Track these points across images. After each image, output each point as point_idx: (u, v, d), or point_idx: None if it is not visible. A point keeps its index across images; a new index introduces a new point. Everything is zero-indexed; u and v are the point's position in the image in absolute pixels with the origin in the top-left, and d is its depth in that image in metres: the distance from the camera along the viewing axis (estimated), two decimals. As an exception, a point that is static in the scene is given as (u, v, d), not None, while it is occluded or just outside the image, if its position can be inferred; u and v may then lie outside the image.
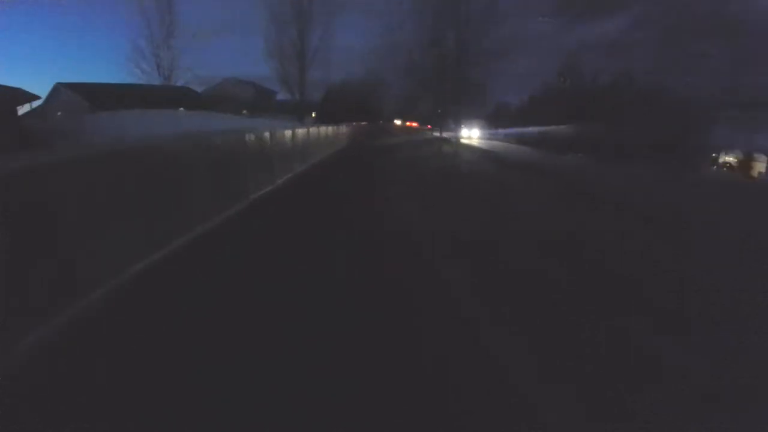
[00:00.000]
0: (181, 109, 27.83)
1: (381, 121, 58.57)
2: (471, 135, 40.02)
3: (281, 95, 40.53)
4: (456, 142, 29.86)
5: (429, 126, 60.12)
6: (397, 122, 65.41)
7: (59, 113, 24.98)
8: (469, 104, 33.60)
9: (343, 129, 23.73)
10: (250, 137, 6.78)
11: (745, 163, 31.30)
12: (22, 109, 23.58)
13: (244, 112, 36.81)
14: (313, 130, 13.21)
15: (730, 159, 43.53)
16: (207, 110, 29.10)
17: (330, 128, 19.29)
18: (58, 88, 27.39)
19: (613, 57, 34.23)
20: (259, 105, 37.64)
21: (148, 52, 29.92)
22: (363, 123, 44.27)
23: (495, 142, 35.42)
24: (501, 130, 41.75)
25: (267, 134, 7.80)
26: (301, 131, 11.23)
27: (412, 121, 66.32)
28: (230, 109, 33.42)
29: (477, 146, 29.42)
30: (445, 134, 42.35)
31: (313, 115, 37.23)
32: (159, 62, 29.84)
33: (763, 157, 32.89)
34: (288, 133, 9.63)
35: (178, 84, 31.06)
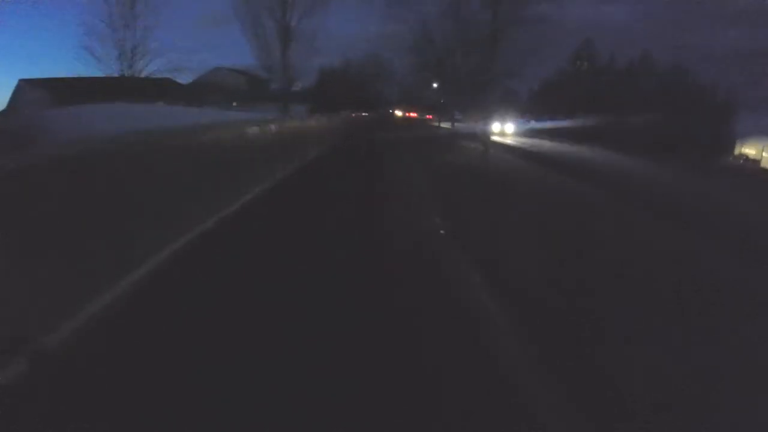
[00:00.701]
0: (160, 102, 25.10)
1: (380, 111, 55.55)
2: (505, 130, 30.12)
3: (276, 84, 37.64)
4: (486, 140, 22.21)
5: (430, 116, 57.10)
6: (398, 113, 62.32)
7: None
8: (480, 91, 29.32)
9: (334, 122, 20.15)
10: (159, 146, 3.94)
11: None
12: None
13: (234, 104, 34.07)
14: (289, 125, 10.02)
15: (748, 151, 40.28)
16: (191, 103, 26.46)
17: (315, 122, 16.34)
18: (22, 85, 24.61)
19: (630, 40, 30.99)
20: (251, 95, 34.70)
21: (108, 35, 25.65)
22: (364, 114, 41.21)
23: (532, 140, 26.58)
24: (526, 122, 31.87)
25: (207, 138, 4.97)
26: (269, 128, 8.02)
27: (413, 111, 63.26)
28: (219, 101, 30.64)
29: (522, 148, 21.21)
30: (457, 126, 37.12)
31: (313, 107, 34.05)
32: (121, 47, 25.62)
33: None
34: (251, 132, 6.69)
35: (143, 74, 27.26)
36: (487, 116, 25.23)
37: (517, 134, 29.71)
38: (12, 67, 53.46)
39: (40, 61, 55.25)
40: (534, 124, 31.87)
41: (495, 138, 26.40)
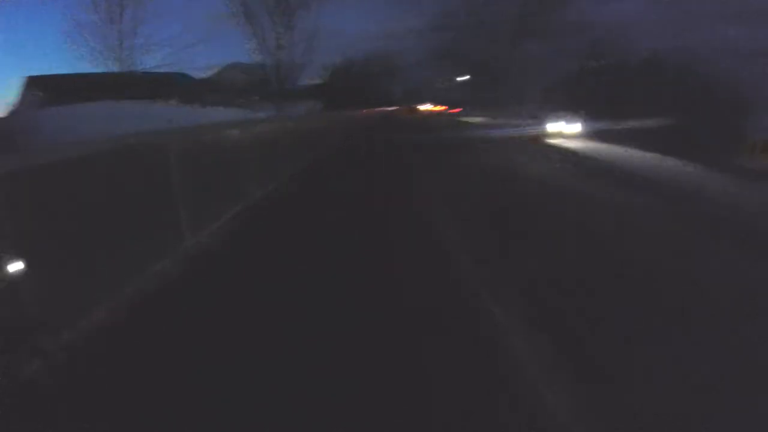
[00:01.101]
0: (173, 101, 23.92)
1: (400, 107, 53.21)
2: (564, 130, 20.68)
3: (301, 79, 36.34)
4: (542, 143, 16.87)
5: (455, 110, 54.50)
6: (425, 107, 59.90)
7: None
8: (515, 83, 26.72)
9: (337, 120, 17.62)
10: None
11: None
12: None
13: (257, 98, 32.80)
14: (263, 127, 7.69)
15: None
16: (203, 101, 25.34)
17: (316, 121, 14.33)
18: (28, 83, 23.84)
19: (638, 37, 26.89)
20: (265, 92, 33.27)
21: (96, 28, 23.82)
22: (385, 108, 39.30)
23: (596, 144, 16.81)
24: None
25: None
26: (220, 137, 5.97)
27: (435, 105, 60.66)
28: (232, 99, 29.42)
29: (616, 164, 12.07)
30: (484, 122, 32.19)
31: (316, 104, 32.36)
32: (105, 40, 23.63)
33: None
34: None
35: (140, 69, 25.56)
36: (537, 112, 21.24)
37: (580, 136, 19.82)
38: (22, 63, 53.35)
39: (52, 58, 54.95)
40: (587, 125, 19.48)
41: (553, 141, 18.20)
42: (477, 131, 27.12)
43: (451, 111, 54.58)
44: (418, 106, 59.86)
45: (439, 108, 59.85)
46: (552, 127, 20.56)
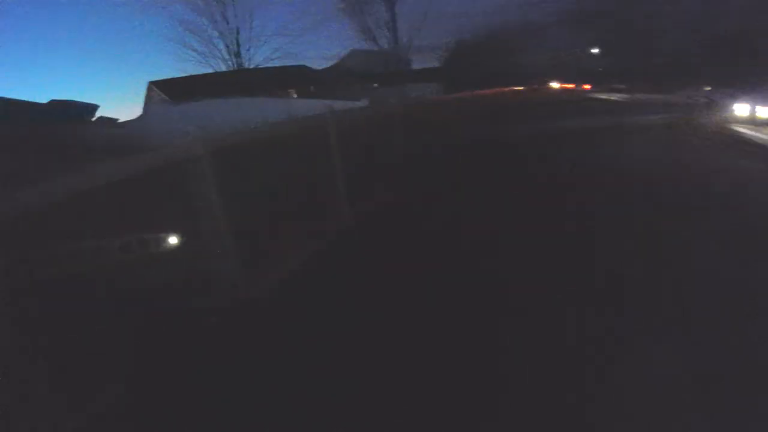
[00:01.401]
0: (294, 95, 22.59)
1: (525, 87, 47.76)
2: (762, 113, 12.23)
3: (418, 62, 34.31)
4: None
5: (588, 86, 47.72)
6: (554, 84, 53.82)
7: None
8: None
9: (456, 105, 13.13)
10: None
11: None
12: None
13: (357, 90, 30.87)
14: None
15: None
16: (325, 95, 23.75)
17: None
18: (150, 87, 24.11)
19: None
20: (388, 77, 30.90)
21: (207, 26, 23.29)
22: (513, 89, 35.00)
23: None
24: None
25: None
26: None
27: (569, 83, 54.02)
28: (353, 88, 27.54)
29: None
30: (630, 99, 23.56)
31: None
32: (221, 37, 22.96)
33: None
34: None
35: (252, 64, 24.51)
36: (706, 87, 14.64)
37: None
38: (141, 69, 57.29)
39: (167, 63, 58.62)
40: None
41: (746, 130, 11.48)
42: (611, 116, 17.63)
43: (581, 88, 48.47)
44: (547, 85, 54.17)
45: (568, 86, 53.66)
46: (741, 109, 12.49)
